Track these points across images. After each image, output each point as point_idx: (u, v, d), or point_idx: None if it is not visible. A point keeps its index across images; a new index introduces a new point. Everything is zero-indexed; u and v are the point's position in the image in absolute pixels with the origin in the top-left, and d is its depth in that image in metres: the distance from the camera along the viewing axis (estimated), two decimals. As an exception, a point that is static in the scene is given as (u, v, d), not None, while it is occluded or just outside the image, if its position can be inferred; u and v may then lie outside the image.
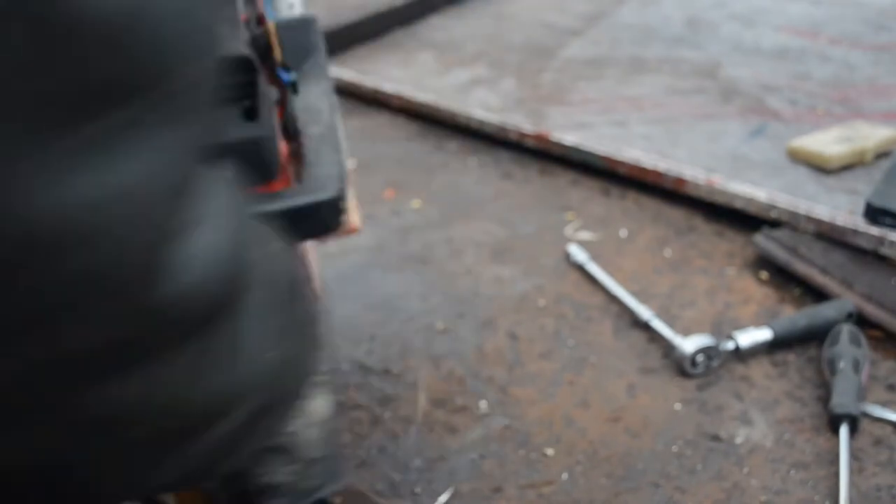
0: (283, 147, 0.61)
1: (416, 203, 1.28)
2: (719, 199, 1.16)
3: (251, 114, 0.56)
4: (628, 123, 1.38)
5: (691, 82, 1.51)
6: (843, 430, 0.82)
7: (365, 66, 1.67)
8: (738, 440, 0.84)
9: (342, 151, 0.60)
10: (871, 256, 1.02)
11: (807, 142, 1.22)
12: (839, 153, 1.18)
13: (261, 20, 0.69)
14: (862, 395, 0.84)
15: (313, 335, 0.47)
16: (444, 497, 0.81)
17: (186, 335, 0.34)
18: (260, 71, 0.60)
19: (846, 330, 0.90)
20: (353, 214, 0.75)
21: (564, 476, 0.82)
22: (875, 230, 1.01)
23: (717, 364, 0.92)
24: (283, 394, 0.43)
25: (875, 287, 0.97)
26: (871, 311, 0.95)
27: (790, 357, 0.93)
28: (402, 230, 1.22)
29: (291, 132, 0.62)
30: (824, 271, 1.00)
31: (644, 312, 0.98)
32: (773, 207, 1.10)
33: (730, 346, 0.92)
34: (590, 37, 1.75)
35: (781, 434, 0.84)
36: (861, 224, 1.03)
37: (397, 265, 1.15)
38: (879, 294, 0.96)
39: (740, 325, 0.96)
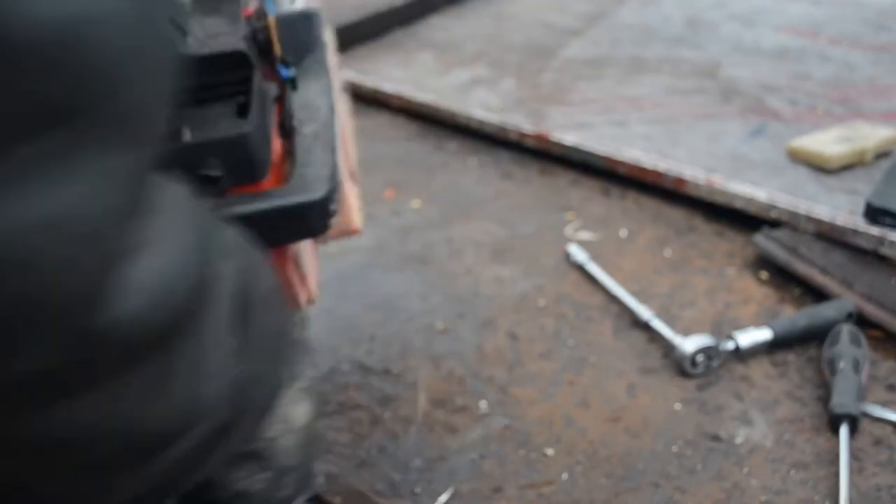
0: (277, 145, 0.60)
1: (416, 203, 1.28)
2: (719, 199, 1.16)
3: (244, 110, 0.55)
4: (628, 123, 1.38)
5: (691, 82, 1.51)
6: (843, 430, 0.82)
7: (365, 66, 1.67)
8: (738, 440, 0.84)
9: (336, 151, 0.59)
10: (871, 256, 1.02)
11: (807, 142, 1.22)
12: (839, 153, 1.18)
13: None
14: (862, 395, 0.84)
15: (284, 347, 0.46)
16: (444, 497, 0.81)
17: (136, 359, 0.33)
18: (256, 66, 0.59)
19: (846, 330, 0.90)
20: (356, 215, 0.74)
21: (564, 476, 0.82)
22: (875, 230, 1.01)
23: (717, 364, 0.92)
24: (249, 410, 0.42)
25: (875, 287, 0.97)
26: (871, 311, 0.95)
27: (790, 357, 0.93)
28: (402, 230, 1.22)
29: (287, 130, 0.61)
30: (824, 271, 1.00)
31: (644, 312, 0.98)
32: (773, 207, 1.10)
33: (730, 346, 0.92)
34: (590, 37, 1.75)
35: (781, 434, 0.84)
36: (861, 224, 1.03)
37: (397, 265, 1.15)
38: (879, 294, 0.96)
39: (740, 325, 0.96)
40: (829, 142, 1.20)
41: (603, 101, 1.47)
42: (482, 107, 1.46)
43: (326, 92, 0.64)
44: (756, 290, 1.04)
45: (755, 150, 1.27)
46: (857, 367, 0.86)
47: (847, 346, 0.88)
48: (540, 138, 1.34)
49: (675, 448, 0.84)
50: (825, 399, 0.86)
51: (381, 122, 1.53)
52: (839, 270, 1.00)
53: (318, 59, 0.66)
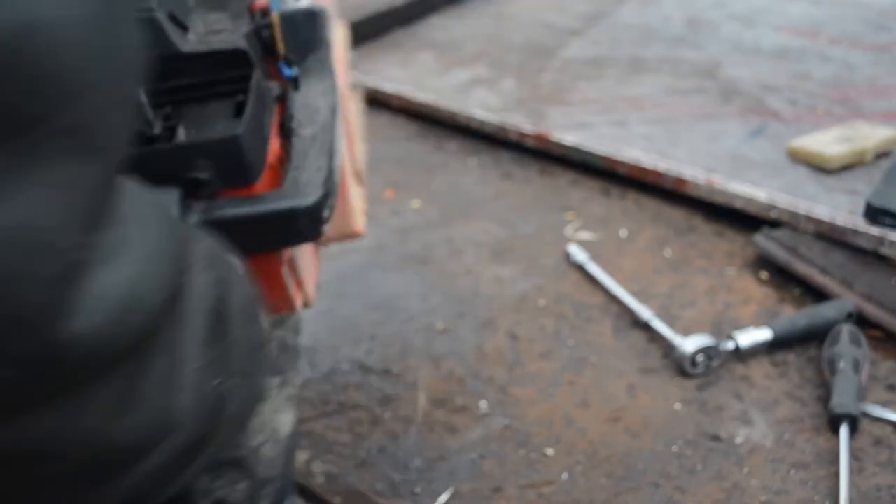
0: (276, 146, 0.58)
1: (416, 203, 1.28)
2: (719, 199, 1.16)
3: (242, 110, 0.53)
4: (628, 123, 1.38)
5: (691, 82, 1.51)
6: (843, 430, 0.82)
7: (365, 66, 1.67)
8: (738, 440, 0.84)
9: (333, 155, 0.57)
10: (871, 256, 1.02)
11: (807, 142, 1.22)
12: (839, 153, 1.18)
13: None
14: (862, 395, 0.84)
15: (260, 360, 0.45)
16: (444, 497, 0.81)
17: (101, 371, 0.32)
18: (255, 65, 0.57)
19: (846, 330, 0.90)
20: (359, 218, 0.73)
21: (564, 476, 0.82)
22: (875, 230, 1.01)
23: (717, 364, 0.92)
24: (224, 423, 0.41)
25: (875, 287, 0.97)
26: (871, 311, 0.95)
27: (790, 357, 0.93)
28: (402, 230, 1.22)
29: (286, 131, 0.59)
30: (824, 271, 1.00)
31: (644, 312, 0.98)
32: (773, 207, 1.10)
33: (730, 346, 0.92)
34: (590, 37, 1.75)
35: (781, 434, 0.84)
36: (861, 224, 1.03)
37: (397, 265, 1.15)
38: (879, 294, 0.96)
39: (740, 325, 0.96)
40: (829, 142, 1.20)
41: (603, 101, 1.46)
42: (482, 107, 1.46)
43: (328, 93, 0.62)
44: (756, 290, 1.04)
45: (755, 150, 1.27)
46: (857, 367, 0.86)
47: (847, 346, 0.88)
48: (540, 138, 1.34)
49: (675, 448, 0.84)
50: (825, 399, 0.86)
51: (381, 122, 1.53)
52: (839, 270, 1.00)
53: (321, 58, 0.65)
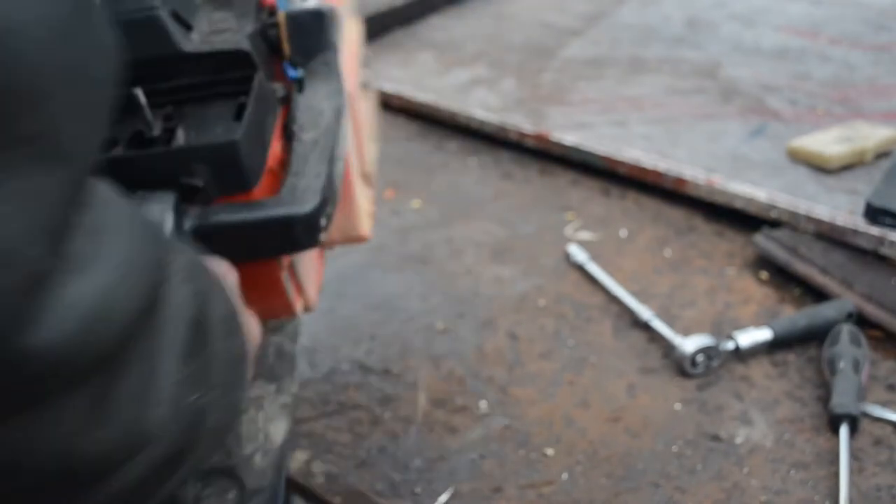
0: (277, 150, 0.57)
1: (416, 203, 1.28)
2: (719, 199, 1.16)
3: (243, 112, 0.52)
4: (628, 123, 1.38)
5: (691, 82, 1.51)
6: (843, 430, 0.82)
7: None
8: (738, 440, 0.84)
9: (334, 161, 0.56)
10: (871, 256, 1.02)
11: (807, 142, 1.22)
12: (839, 153, 1.18)
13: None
14: (862, 395, 0.84)
15: (241, 373, 0.44)
16: (444, 497, 0.81)
17: (70, 382, 0.32)
18: (258, 67, 0.56)
19: (846, 330, 0.90)
20: (365, 221, 0.72)
21: (564, 476, 0.82)
22: (875, 230, 1.01)
23: (717, 364, 0.92)
24: (204, 437, 0.41)
25: (875, 287, 0.97)
26: (871, 311, 0.95)
27: (790, 357, 0.93)
28: (402, 230, 1.22)
29: (289, 135, 0.58)
30: (824, 271, 1.00)
31: (644, 312, 0.98)
32: (773, 207, 1.10)
33: (730, 346, 0.92)
34: (590, 37, 1.75)
35: (781, 434, 0.84)
36: (861, 224, 1.03)
37: (397, 265, 1.15)
38: (879, 294, 0.96)
39: (740, 325, 0.96)
40: (829, 142, 1.20)
41: (603, 101, 1.46)
42: (482, 107, 1.46)
43: (333, 95, 0.61)
44: (756, 290, 1.04)
45: (755, 150, 1.27)
46: (857, 367, 0.86)
47: (847, 346, 0.88)
48: (540, 138, 1.34)
49: (675, 448, 0.84)
50: (825, 399, 0.86)
51: (381, 122, 1.52)
52: (839, 270, 1.00)
53: (328, 59, 0.63)
